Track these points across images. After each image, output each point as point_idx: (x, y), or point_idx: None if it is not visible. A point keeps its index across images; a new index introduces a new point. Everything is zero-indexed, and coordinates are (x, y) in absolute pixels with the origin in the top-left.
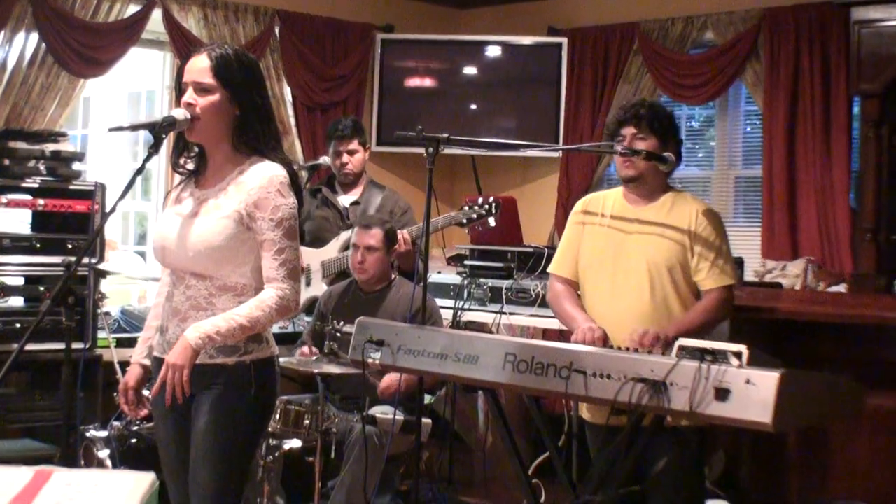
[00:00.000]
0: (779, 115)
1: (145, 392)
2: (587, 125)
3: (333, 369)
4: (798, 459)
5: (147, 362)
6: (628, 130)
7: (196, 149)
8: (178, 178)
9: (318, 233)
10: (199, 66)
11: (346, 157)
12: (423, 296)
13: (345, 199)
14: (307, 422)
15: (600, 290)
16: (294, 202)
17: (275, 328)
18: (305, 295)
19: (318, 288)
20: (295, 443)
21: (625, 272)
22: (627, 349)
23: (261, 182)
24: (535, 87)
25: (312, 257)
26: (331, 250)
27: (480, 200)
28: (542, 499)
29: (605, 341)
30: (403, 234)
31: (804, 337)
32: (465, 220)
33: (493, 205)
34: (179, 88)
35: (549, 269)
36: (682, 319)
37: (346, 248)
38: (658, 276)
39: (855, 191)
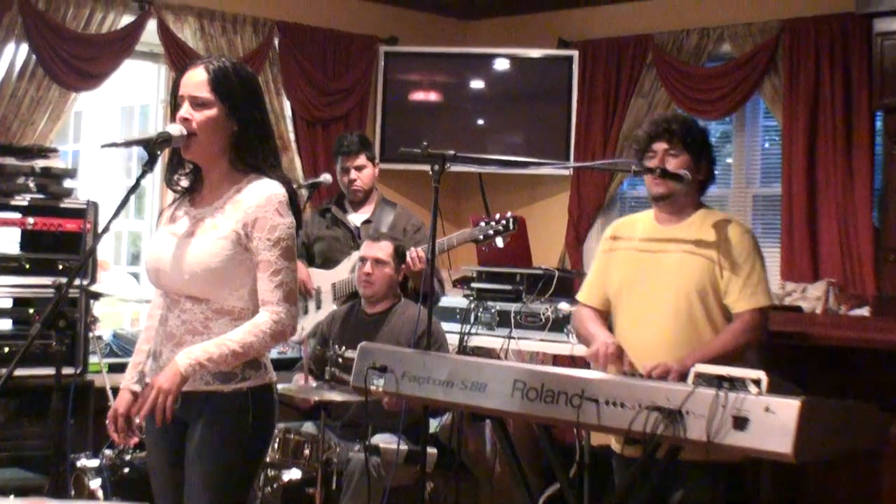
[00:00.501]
0: (798, 131)
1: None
2: (599, 141)
3: (335, 396)
4: (818, 489)
5: (138, 388)
6: (660, 146)
7: (190, 165)
8: (172, 195)
9: (328, 254)
10: (196, 80)
11: (353, 174)
12: (429, 320)
13: (355, 218)
14: (307, 451)
15: (629, 315)
16: (292, 222)
17: (273, 353)
18: (316, 318)
19: (328, 311)
20: (294, 473)
21: (653, 296)
22: (642, 375)
23: (258, 201)
24: (545, 101)
25: (323, 279)
26: (342, 271)
27: (498, 216)
28: None
29: (619, 356)
30: (417, 252)
31: (825, 363)
32: (481, 237)
33: (511, 220)
34: (175, 103)
35: (577, 297)
36: (704, 347)
37: None
38: (687, 300)
39: (878, 209)
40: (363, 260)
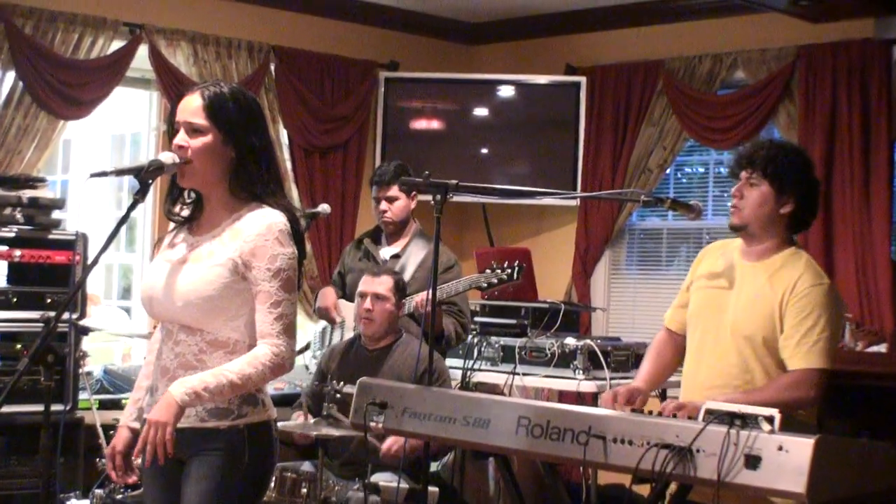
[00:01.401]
0: (814, 161)
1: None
2: (607, 171)
3: (333, 433)
4: None
5: (136, 425)
6: (743, 173)
7: (192, 195)
8: (168, 225)
9: (356, 286)
10: (192, 106)
11: (384, 205)
12: (430, 355)
13: (385, 252)
14: (304, 490)
15: (692, 349)
16: (294, 252)
17: (270, 389)
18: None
19: None
20: None
21: (715, 332)
22: (650, 412)
23: (259, 230)
24: (552, 129)
25: (349, 311)
26: None
27: (505, 263)
28: None
29: (626, 402)
30: (422, 298)
31: (842, 400)
32: (485, 284)
33: (517, 269)
34: (172, 130)
35: (664, 315)
36: (744, 394)
37: None
38: (745, 345)
39: None
40: (363, 296)
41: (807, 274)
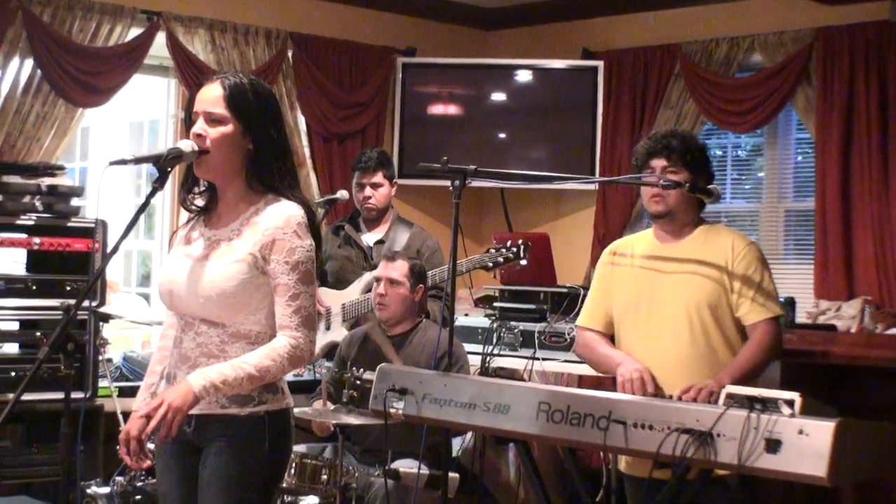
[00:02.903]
0: (832, 144)
1: (151, 445)
2: (625, 155)
3: (353, 420)
4: None
5: None
6: (658, 163)
7: (206, 184)
8: (184, 214)
9: (340, 273)
10: (212, 96)
11: (368, 191)
12: (450, 340)
13: (369, 238)
14: (325, 477)
15: (637, 335)
16: (311, 244)
17: (289, 376)
18: (325, 339)
19: (337, 332)
20: (312, 500)
21: (660, 316)
22: (671, 396)
23: (277, 223)
24: (569, 114)
25: (333, 299)
26: (353, 292)
27: (509, 243)
28: None
29: (653, 386)
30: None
31: (861, 383)
32: (490, 264)
33: (522, 247)
34: (189, 119)
35: (577, 322)
36: (734, 364)
37: (368, 289)
38: (698, 317)
39: None
40: (378, 280)
41: (737, 238)
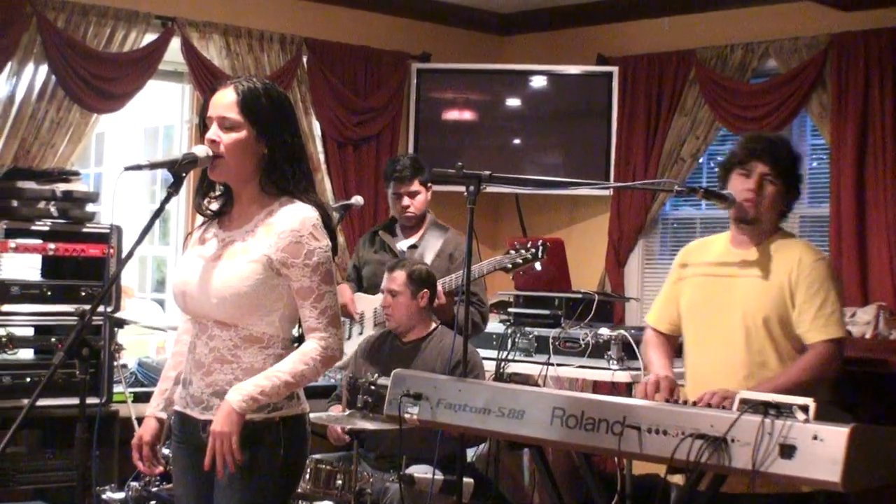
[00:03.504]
0: (847, 150)
1: (165, 451)
2: (640, 160)
3: (367, 425)
4: None
5: (163, 415)
6: (759, 166)
7: (221, 188)
8: (199, 220)
9: (373, 279)
10: (226, 101)
11: (406, 200)
12: (465, 346)
13: (403, 243)
14: (339, 482)
15: (696, 340)
16: (328, 244)
17: None
18: (356, 344)
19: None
20: None
21: (720, 323)
22: (685, 402)
23: (292, 225)
24: (584, 119)
25: (366, 304)
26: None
27: (529, 244)
28: None
29: (667, 388)
30: (440, 287)
31: (876, 389)
32: (510, 265)
33: (541, 248)
34: (204, 124)
35: (645, 318)
36: (777, 377)
37: None
38: (754, 328)
39: None
40: (383, 292)
41: (806, 251)
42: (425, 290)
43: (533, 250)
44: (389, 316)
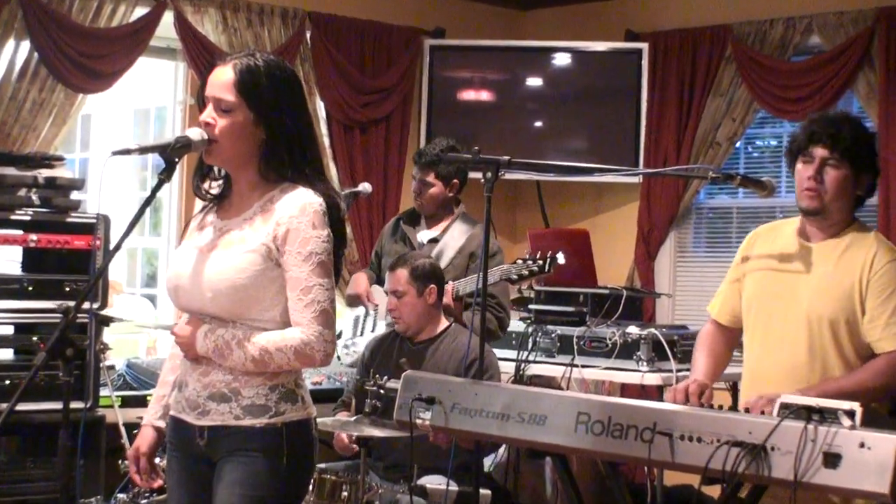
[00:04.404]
0: None
1: (160, 461)
2: (672, 145)
3: (375, 432)
4: None
5: (161, 424)
6: (820, 151)
7: (223, 171)
8: (196, 207)
9: None
10: (222, 80)
11: (417, 187)
12: (481, 346)
13: (424, 235)
14: (345, 493)
15: (756, 338)
16: (328, 235)
17: (308, 384)
18: (368, 340)
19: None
20: None
21: (782, 321)
22: (720, 407)
23: (291, 211)
24: (611, 100)
25: (382, 296)
26: None
27: (538, 254)
28: None
29: (696, 394)
30: (450, 286)
31: None
32: (515, 276)
33: (549, 261)
34: (201, 104)
35: (708, 307)
36: (834, 380)
37: None
38: (818, 329)
39: None
40: (387, 294)
41: (881, 249)
42: (432, 285)
43: (540, 262)
44: (397, 319)
